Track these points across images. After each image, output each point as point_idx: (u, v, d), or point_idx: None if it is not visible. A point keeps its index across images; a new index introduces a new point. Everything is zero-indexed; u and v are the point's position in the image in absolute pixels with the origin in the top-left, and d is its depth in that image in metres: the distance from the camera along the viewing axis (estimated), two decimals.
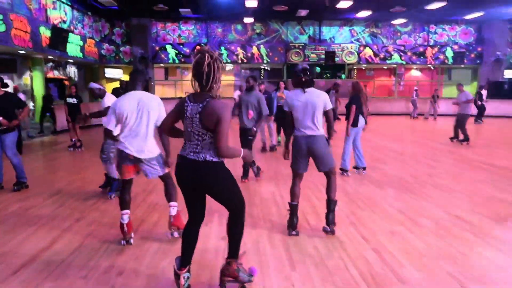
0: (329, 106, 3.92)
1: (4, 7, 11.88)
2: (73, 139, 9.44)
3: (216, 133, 2.54)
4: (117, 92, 7.42)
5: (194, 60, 2.57)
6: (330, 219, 3.93)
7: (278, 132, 9.76)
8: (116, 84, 16.75)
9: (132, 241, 3.69)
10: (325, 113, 3.95)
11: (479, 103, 16.58)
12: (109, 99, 5.25)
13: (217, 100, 2.58)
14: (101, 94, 5.39)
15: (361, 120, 6.47)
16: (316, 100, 3.84)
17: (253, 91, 6.14)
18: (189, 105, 2.61)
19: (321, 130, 3.90)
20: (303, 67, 3.92)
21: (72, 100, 9.49)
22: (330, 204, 3.96)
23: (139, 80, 3.69)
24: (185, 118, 2.63)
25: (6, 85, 5.41)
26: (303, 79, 3.86)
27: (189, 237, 2.81)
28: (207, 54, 2.52)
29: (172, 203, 3.82)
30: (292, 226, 3.93)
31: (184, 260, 2.77)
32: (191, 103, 2.60)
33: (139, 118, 3.56)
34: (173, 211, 3.80)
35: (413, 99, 18.86)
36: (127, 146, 3.57)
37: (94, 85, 5.38)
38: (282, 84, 9.62)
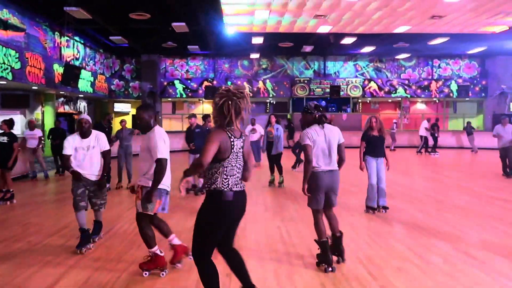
0: (342, 139, 4.05)
1: (20, 46, 12.39)
2: (4, 190, 7.33)
3: (248, 162, 2.88)
4: (101, 128, 7.33)
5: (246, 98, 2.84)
6: (344, 250, 4.08)
7: (272, 170, 8.69)
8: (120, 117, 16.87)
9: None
10: (339, 147, 4.04)
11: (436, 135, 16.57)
12: (93, 136, 4.68)
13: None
14: (88, 131, 4.63)
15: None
16: (334, 135, 3.99)
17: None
18: (234, 140, 2.73)
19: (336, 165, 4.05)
20: (315, 104, 4.05)
21: (2, 139, 7.36)
22: (341, 237, 4.08)
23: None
24: (231, 154, 2.72)
25: None
26: (317, 116, 3.95)
27: (235, 259, 3.01)
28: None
29: (172, 235, 3.92)
30: (328, 262, 3.85)
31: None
32: (235, 138, 2.74)
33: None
34: (177, 240, 3.90)
35: (392, 131, 18.21)
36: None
37: (86, 117, 4.66)
38: (273, 118, 8.95)
